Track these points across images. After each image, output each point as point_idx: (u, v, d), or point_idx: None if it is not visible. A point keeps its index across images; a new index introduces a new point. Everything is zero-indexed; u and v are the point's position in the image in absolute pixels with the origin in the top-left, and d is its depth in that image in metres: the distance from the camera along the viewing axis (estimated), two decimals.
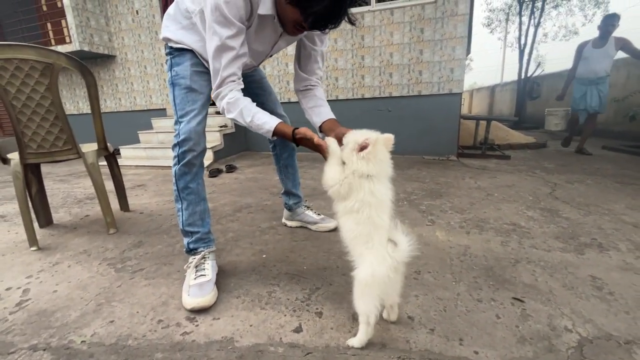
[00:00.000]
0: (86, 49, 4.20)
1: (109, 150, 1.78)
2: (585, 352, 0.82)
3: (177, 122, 1.11)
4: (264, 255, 1.39)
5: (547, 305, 1.01)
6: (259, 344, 0.87)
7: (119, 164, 1.98)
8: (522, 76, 8.90)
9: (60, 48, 4.23)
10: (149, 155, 3.79)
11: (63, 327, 0.96)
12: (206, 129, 1.18)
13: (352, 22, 0.90)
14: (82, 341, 0.90)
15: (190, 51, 1.11)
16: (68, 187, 2.76)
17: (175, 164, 1.12)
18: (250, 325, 0.95)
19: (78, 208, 2.15)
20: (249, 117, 1.00)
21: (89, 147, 1.70)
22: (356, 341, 0.85)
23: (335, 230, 1.54)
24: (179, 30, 1.10)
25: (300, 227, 1.66)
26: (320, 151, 0.94)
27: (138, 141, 4.18)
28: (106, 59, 4.69)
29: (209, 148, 3.36)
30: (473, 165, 3.22)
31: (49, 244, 1.57)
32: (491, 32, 13.73)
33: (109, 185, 1.93)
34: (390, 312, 0.93)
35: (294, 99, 1.13)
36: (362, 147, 0.81)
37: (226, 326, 0.95)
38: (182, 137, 1.08)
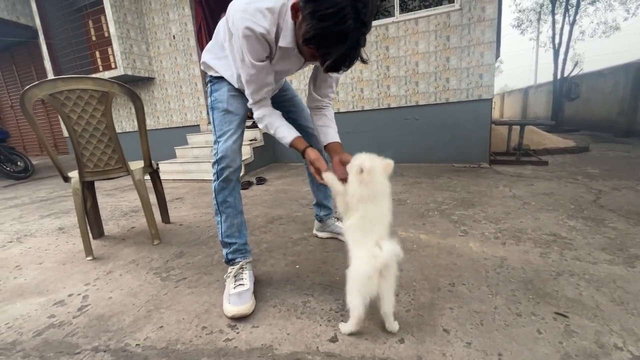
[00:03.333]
0: (129, 73, 4.58)
1: (153, 167, 1.94)
2: None
3: (215, 142, 1.21)
4: (297, 266, 1.43)
5: (594, 321, 0.97)
6: (297, 352, 0.91)
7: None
8: (558, 77, 8.46)
9: (107, 73, 4.64)
10: (185, 169, 4.01)
11: (119, 331, 1.06)
12: None
13: (364, 61, 0.93)
14: (136, 344, 0.99)
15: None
16: (115, 201, 2.99)
17: (214, 180, 1.21)
18: (288, 334, 0.99)
19: (125, 220, 2.33)
20: (272, 130, 1.18)
21: (136, 165, 1.86)
22: (343, 327, 0.98)
23: None
24: (214, 60, 1.23)
25: (331, 238, 1.70)
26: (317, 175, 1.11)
27: (175, 156, 4.45)
28: (146, 81, 5.07)
29: None
30: (507, 172, 3.10)
31: (102, 254, 1.72)
32: (521, 33, 13.23)
33: (152, 198, 2.09)
34: (385, 320, 0.96)
35: None
36: (362, 171, 0.91)
37: (265, 334, 1.00)
38: (220, 155, 1.18)
